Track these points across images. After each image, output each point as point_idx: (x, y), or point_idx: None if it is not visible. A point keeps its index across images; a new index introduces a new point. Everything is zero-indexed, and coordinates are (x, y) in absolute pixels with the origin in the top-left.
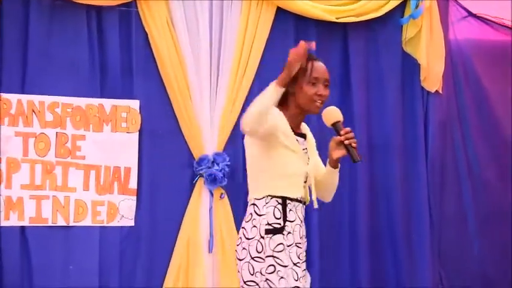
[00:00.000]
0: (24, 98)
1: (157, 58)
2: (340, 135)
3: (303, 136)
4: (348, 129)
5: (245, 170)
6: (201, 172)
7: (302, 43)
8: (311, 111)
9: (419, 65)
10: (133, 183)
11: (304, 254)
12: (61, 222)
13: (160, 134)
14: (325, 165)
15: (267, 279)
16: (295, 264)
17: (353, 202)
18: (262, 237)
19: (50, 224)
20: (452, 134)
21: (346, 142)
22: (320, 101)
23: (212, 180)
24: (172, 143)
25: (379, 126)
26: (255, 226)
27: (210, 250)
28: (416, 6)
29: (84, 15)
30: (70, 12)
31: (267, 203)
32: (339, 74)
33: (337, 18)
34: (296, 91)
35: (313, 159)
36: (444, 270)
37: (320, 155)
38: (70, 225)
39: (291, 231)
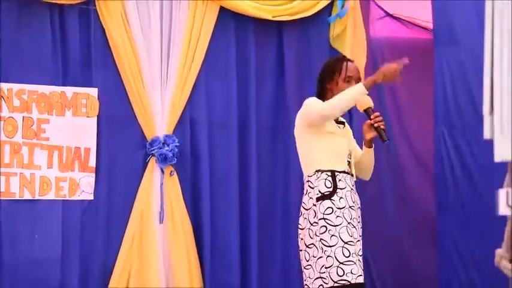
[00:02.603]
0: None
1: (114, 51)
2: (370, 119)
3: (342, 123)
4: (377, 113)
5: (192, 150)
6: (153, 152)
7: (399, 63)
8: None
9: None
10: (92, 162)
11: (359, 217)
12: (27, 196)
13: (117, 119)
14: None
15: (321, 239)
16: (349, 223)
17: (287, 177)
18: (315, 205)
19: (17, 197)
20: None
21: (376, 125)
22: None
23: (163, 159)
24: (127, 126)
25: None
26: (310, 198)
27: (161, 221)
28: (342, 6)
29: (47, 12)
30: (35, 10)
31: (318, 178)
32: (274, 67)
33: (273, 17)
34: (332, 87)
35: (352, 143)
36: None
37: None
38: (35, 198)
39: (343, 197)
